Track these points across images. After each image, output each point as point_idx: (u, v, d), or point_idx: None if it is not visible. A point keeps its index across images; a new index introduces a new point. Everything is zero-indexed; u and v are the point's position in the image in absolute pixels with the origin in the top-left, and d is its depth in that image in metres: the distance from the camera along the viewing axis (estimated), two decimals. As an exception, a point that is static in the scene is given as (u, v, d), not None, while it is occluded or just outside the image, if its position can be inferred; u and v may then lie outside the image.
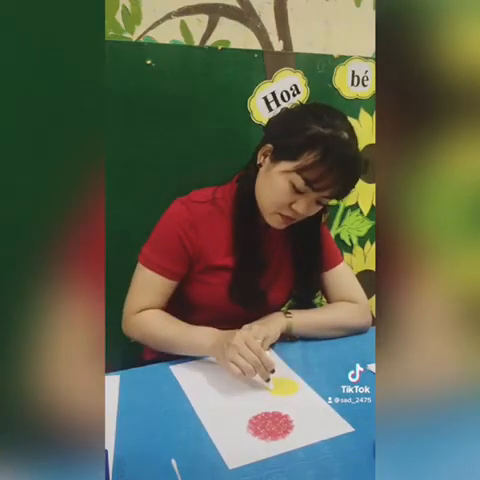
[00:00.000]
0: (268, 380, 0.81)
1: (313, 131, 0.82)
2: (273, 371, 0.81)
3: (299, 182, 0.84)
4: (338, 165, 0.82)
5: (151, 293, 0.96)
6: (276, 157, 0.87)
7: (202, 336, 0.89)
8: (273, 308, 1.02)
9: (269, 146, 0.89)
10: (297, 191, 0.85)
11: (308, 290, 1.08)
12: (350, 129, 0.86)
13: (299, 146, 0.83)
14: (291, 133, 0.85)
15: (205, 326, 0.93)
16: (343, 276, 1.08)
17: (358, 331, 1.03)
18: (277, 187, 0.87)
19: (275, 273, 1.02)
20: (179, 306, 1.00)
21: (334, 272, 1.07)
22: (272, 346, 0.94)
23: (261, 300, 0.98)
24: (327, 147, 0.81)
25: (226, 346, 0.81)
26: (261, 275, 0.98)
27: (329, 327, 1.01)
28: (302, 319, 0.99)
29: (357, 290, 1.07)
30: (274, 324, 0.95)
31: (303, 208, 0.87)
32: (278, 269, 1.03)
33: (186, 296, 1.00)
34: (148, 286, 0.96)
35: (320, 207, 0.91)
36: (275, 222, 0.92)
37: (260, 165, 0.91)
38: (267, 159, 0.90)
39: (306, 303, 1.07)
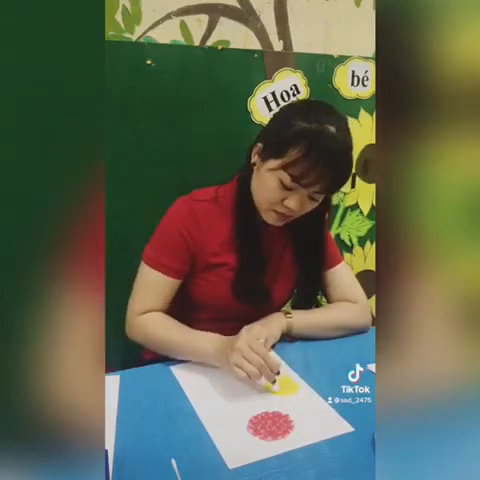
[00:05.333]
0: (274, 382, 0.80)
1: (297, 127, 0.83)
2: (278, 373, 0.80)
3: (286, 179, 0.84)
4: (323, 159, 0.81)
5: (155, 293, 0.95)
6: (265, 155, 0.88)
7: (205, 342, 0.88)
8: (276, 306, 1.02)
9: (259, 145, 0.90)
10: (286, 188, 0.85)
11: (311, 288, 1.07)
12: (339, 123, 0.85)
13: (284, 143, 0.84)
14: (278, 131, 0.86)
15: (209, 325, 0.93)
16: (343, 276, 1.08)
17: (359, 331, 1.03)
18: (267, 185, 0.87)
19: (277, 270, 1.02)
20: (183, 305, 1.00)
21: (334, 271, 1.07)
22: (273, 346, 0.94)
23: (265, 297, 0.98)
24: (311, 142, 0.81)
25: (230, 351, 0.80)
26: (263, 272, 0.98)
27: (330, 327, 1.01)
28: (303, 319, 0.99)
29: (357, 290, 1.08)
30: (275, 324, 0.95)
31: (295, 204, 0.87)
32: (280, 267, 1.03)
33: (189, 295, 1.00)
34: (152, 285, 0.95)
35: (315, 203, 0.90)
36: (271, 219, 0.92)
37: (254, 164, 0.92)
38: (259, 158, 0.91)
39: (309, 302, 1.07)
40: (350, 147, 0.86)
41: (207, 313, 0.99)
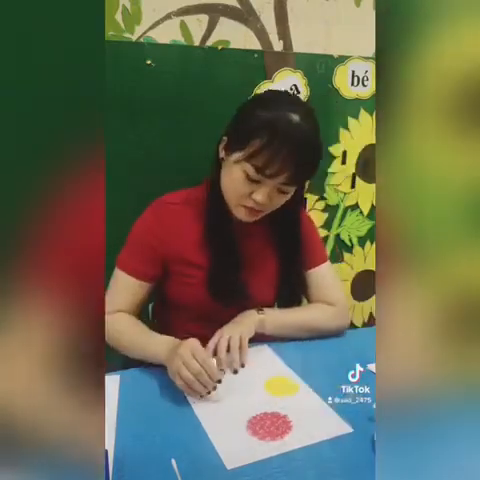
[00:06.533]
0: (209, 392, 0.77)
1: (258, 117, 0.81)
2: (219, 381, 0.78)
3: (250, 170, 0.82)
4: (287, 148, 0.79)
5: (123, 294, 0.96)
6: (230, 148, 0.87)
7: (158, 345, 0.87)
8: (258, 305, 1.00)
9: (224, 139, 0.89)
10: (252, 180, 0.83)
11: (291, 288, 1.05)
12: (304, 112, 0.82)
13: (246, 133, 0.82)
14: (240, 123, 0.86)
15: (191, 325, 0.94)
16: (325, 276, 1.05)
17: (333, 333, 1.02)
18: (233, 178, 0.86)
19: (256, 268, 1.00)
20: (165, 306, 1.02)
21: (316, 271, 1.04)
22: (250, 341, 0.93)
23: (241, 296, 0.96)
24: (272, 131, 0.79)
25: (173, 356, 0.79)
26: (238, 270, 0.96)
27: (302, 328, 0.99)
28: (275, 317, 0.98)
29: (337, 292, 1.05)
30: (247, 321, 0.95)
31: (261, 197, 0.84)
32: (260, 264, 1.01)
33: (168, 297, 1.01)
34: (121, 287, 0.96)
35: (285, 196, 0.88)
36: (241, 214, 0.90)
37: (222, 159, 0.91)
38: (225, 152, 0.89)
39: (291, 301, 1.05)
40: (315, 136, 0.83)
41: (187, 313, 0.99)
